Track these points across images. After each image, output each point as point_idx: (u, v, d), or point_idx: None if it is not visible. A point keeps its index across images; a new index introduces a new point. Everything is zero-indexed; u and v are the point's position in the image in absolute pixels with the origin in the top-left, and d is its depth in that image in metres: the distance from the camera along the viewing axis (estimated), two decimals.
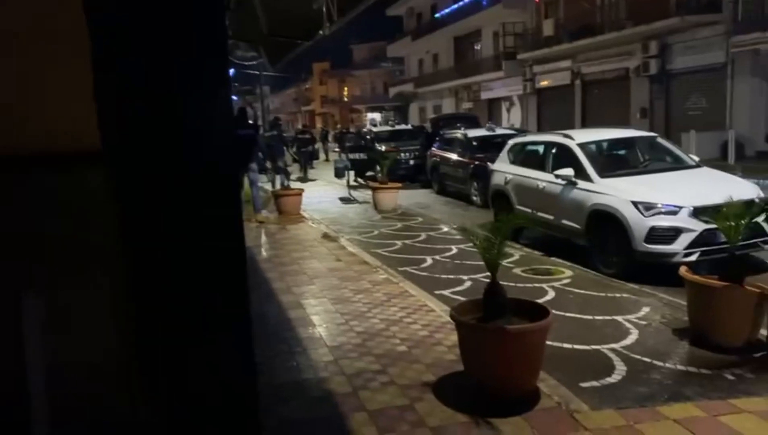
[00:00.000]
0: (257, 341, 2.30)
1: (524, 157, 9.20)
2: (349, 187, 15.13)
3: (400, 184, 12.28)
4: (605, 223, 6.89)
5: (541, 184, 8.25)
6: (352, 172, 16.21)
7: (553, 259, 7.52)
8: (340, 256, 7.57)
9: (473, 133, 14.14)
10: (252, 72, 40.51)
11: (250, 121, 11.71)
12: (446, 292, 5.93)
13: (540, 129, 25.31)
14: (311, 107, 71.06)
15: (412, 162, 16.65)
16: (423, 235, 9.13)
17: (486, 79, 31.77)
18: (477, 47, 34.14)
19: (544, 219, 8.08)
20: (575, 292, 5.89)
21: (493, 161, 12.44)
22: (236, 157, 1.70)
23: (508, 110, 30.97)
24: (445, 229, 9.73)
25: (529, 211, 8.60)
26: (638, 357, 4.22)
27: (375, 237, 9.13)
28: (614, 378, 3.90)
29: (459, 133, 14.45)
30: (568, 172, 7.59)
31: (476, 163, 12.98)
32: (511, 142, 9.74)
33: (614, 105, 23.31)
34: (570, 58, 25.31)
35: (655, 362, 4.13)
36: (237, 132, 11.22)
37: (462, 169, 13.58)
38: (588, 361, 4.18)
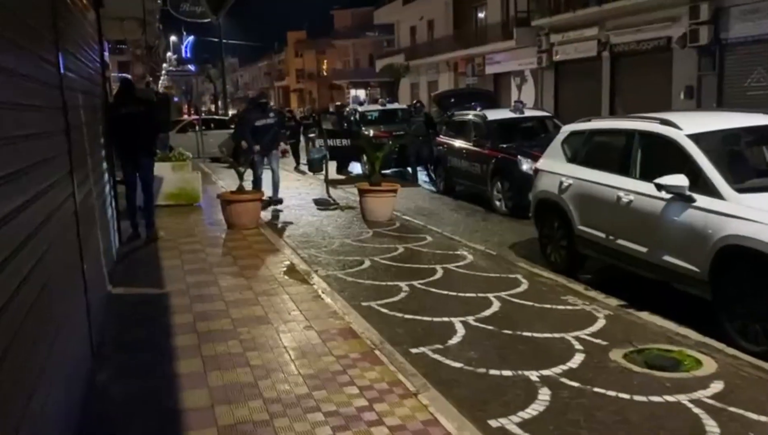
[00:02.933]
0: None
1: (592, 153, 6.75)
2: (328, 184, 12.62)
3: (397, 186, 9.78)
4: (748, 268, 4.53)
5: (625, 197, 5.84)
6: (331, 164, 13.70)
7: (651, 318, 5.11)
8: (313, 317, 5.06)
9: (495, 114, 11.69)
10: (213, 39, 37.43)
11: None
12: (513, 423, 3.45)
13: (558, 111, 22.97)
14: (285, 83, 68.71)
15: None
16: (438, 271, 6.64)
17: (492, 51, 29.44)
18: (481, 13, 31.76)
19: (628, 251, 5.70)
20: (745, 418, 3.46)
21: (523, 154, 10.12)
22: None
23: (519, 88, 28.67)
24: (469, 256, 7.26)
25: (601, 235, 6.19)
26: None
27: (366, 273, 6.64)
28: None
29: (474, 115, 11.98)
30: (679, 181, 5.19)
31: (500, 156, 10.55)
32: (568, 129, 7.28)
33: (651, 83, 21.04)
34: (597, 24, 23.05)
35: None
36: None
37: (479, 163, 11.15)
38: None
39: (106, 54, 13.02)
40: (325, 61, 60.56)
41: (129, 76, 10.05)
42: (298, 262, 6.86)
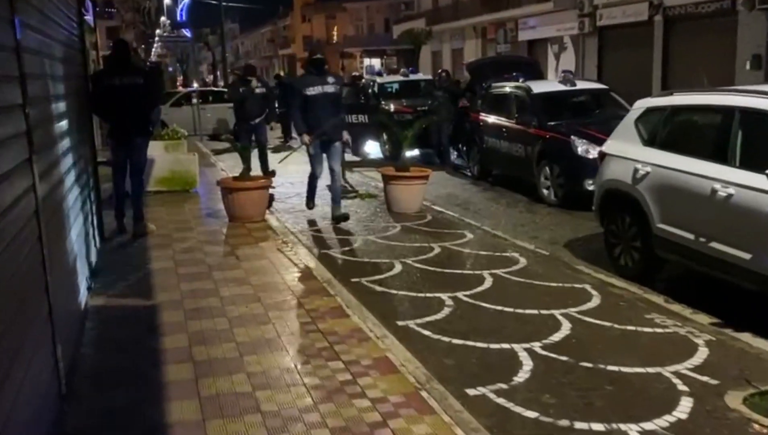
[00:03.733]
0: None
1: (676, 134, 6.04)
2: (344, 168, 11.93)
3: (428, 172, 9.10)
4: None
5: (723, 190, 5.16)
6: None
7: (762, 343, 4.42)
8: (338, 341, 4.42)
9: (541, 87, 10.94)
10: (211, 1, 36.93)
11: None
12: None
13: (602, 82, 22.08)
14: (290, 51, 67.81)
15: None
16: (486, 278, 5.97)
17: (526, 14, 28.53)
18: None
19: (725, 256, 5.05)
20: None
21: (578, 133, 9.40)
22: None
23: (557, 56, 27.78)
24: (521, 259, 6.59)
25: (689, 236, 5.52)
26: None
27: (398, 281, 5.99)
28: None
29: (516, 88, 11.23)
30: None
31: (549, 135, 9.84)
32: (643, 104, 6.55)
33: (711, 50, 20.11)
34: None
35: None
36: None
37: (523, 144, 10.44)
38: None
39: (89, 17, 12.39)
40: (336, 26, 59.59)
41: (125, 39, 9.16)
42: (314, 266, 6.22)
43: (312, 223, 8.49)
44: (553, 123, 10.07)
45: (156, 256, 6.67)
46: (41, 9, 4.35)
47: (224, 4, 31.57)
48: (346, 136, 8.35)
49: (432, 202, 9.54)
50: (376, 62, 48.85)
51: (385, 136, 15.26)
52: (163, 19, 57.70)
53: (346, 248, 7.14)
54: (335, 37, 59.54)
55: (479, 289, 5.68)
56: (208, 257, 6.61)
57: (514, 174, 11.09)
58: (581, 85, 11.13)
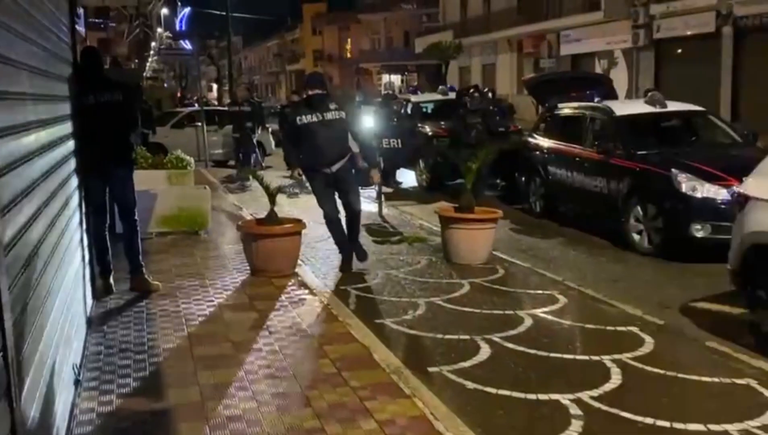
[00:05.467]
0: None
1: None
2: (381, 203, 10.94)
3: (498, 213, 8.02)
4: None
5: None
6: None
7: None
8: None
9: (624, 108, 9.92)
10: (213, 12, 36.50)
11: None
12: None
13: None
14: (299, 66, 67.64)
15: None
16: (613, 372, 4.80)
17: (569, 25, 27.86)
18: None
19: None
20: None
21: (680, 166, 8.33)
22: None
23: (606, 72, 26.80)
24: (645, 337, 5.45)
25: None
26: None
27: (492, 373, 4.86)
28: None
29: (591, 109, 10.20)
30: None
31: (641, 168, 8.77)
32: None
33: None
34: None
35: None
36: None
37: (605, 177, 9.37)
38: None
39: (81, 28, 11.51)
40: (350, 39, 59.32)
41: (94, 47, 8.07)
42: (373, 346, 5.10)
43: (356, 277, 7.38)
44: (644, 152, 9.00)
45: (162, 327, 5.58)
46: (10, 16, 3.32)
47: (231, 15, 30.89)
48: (374, 173, 7.80)
49: (494, 248, 8.43)
50: (395, 79, 48.25)
51: (422, 164, 14.32)
52: (159, 30, 57.45)
53: (408, 317, 6.01)
54: (349, 52, 59.23)
55: (607, 387, 4.53)
56: (231, 330, 5.51)
57: (590, 213, 9.98)
58: (673, 106, 10.07)
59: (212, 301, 6.32)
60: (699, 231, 7.94)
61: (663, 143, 9.39)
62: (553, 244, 9.38)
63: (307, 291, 6.62)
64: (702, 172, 8.14)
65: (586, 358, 5.04)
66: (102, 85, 6.22)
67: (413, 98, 15.96)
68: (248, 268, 7.26)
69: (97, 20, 45.88)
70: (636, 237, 8.76)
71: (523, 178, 11.77)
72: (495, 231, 7.96)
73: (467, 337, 5.46)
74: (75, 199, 5.28)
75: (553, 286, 6.93)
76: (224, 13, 33.15)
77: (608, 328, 5.70)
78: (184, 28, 43.36)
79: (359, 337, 5.28)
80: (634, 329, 5.62)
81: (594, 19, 26.15)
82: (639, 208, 8.72)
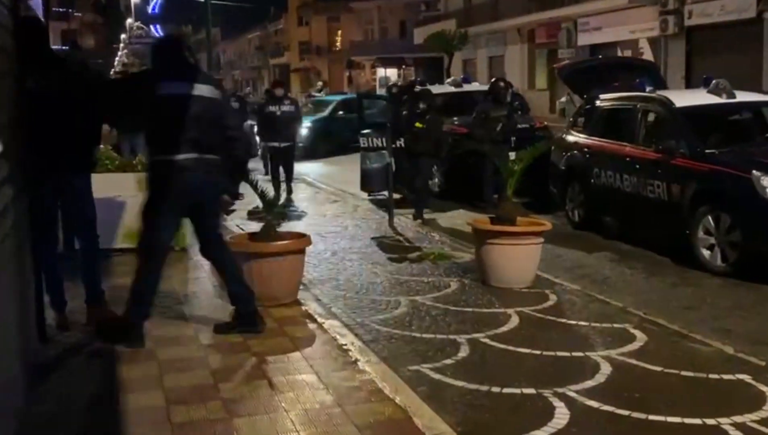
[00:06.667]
0: None
1: None
2: (392, 213, 10.05)
3: (547, 224, 7.12)
4: None
5: None
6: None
7: None
8: None
9: (686, 99, 9.07)
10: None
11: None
12: None
13: None
14: (284, 60, 67.04)
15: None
16: None
17: (588, 12, 27.19)
18: None
19: None
20: None
21: (762, 167, 7.53)
22: None
23: None
24: (758, 386, 4.55)
25: None
26: None
27: None
28: None
29: (644, 101, 9.36)
30: None
31: (711, 169, 7.95)
32: None
33: None
34: None
35: None
36: None
37: (664, 181, 8.50)
38: None
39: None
40: (340, 30, 58.72)
41: (35, 17, 6.81)
42: (416, 408, 4.15)
43: (372, 305, 6.44)
44: (714, 151, 8.14)
45: (130, 378, 4.62)
46: None
47: (210, 1, 30.04)
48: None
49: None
50: (391, 73, 47.49)
51: (434, 167, 13.42)
52: (129, 21, 56.64)
53: (449, 361, 5.06)
54: (339, 44, 58.58)
55: None
56: (221, 383, 4.55)
57: (644, 223, 9.09)
58: (741, 96, 9.21)
59: (194, 340, 5.37)
60: None
61: (735, 140, 8.58)
62: (601, 262, 8.50)
63: (315, 325, 5.68)
64: None
65: (698, 421, 4.10)
66: (47, 66, 5.24)
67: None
68: None
69: (60, 9, 44.89)
70: (706, 253, 7.88)
71: (558, 183, 10.89)
72: (541, 248, 7.03)
73: (532, 390, 4.52)
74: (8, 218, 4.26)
75: (623, 318, 6.03)
76: (201, 0, 32.20)
77: (711, 376, 4.78)
78: (157, 10, 42.44)
79: (391, 392, 4.33)
80: (746, 378, 4.70)
81: (616, 4, 25.54)
82: (710, 218, 7.85)
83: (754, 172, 7.46)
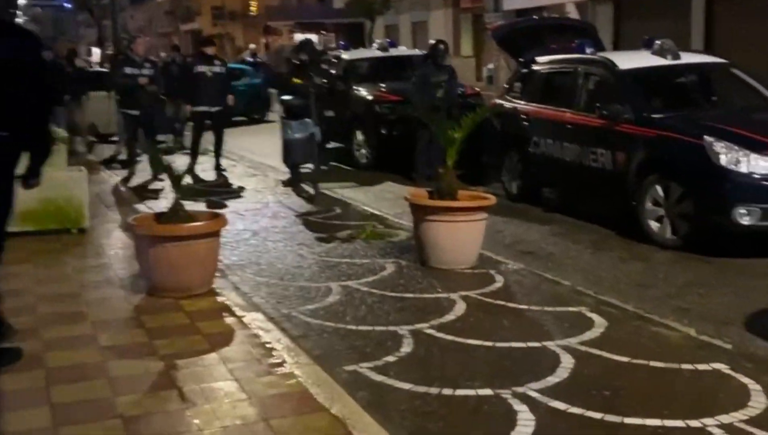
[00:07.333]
0: None
1: None
2: (317, 188, 9.44)
3: (491, 199, 6.64)
4: None
5: None
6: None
7: None
8: None
9: (629, 61, 8.69)
10: None
11: None
12: None
13: None
14: (196, 25, 64.88)
15: None
16: None
17: None
18: None
19: None
20: None
21: (715, 132, 7.27)
22: None
23: None
24: (750, 386, 4.16)
25: None
26: None
27: None
28: None
29: (586, 63, 9.00)
30: None
31: (660, 135, 7.68)
32: None
33: None
34: None
35: None
36: None
37: (608, 149, 8.17)
38: None
39: None
40: None
41: None
42: (356, 419, 3.59)
43: (300, 293, 5.83)
44: (661, 116, 7.80)
45: (9, 392, 3.91)
46: None
47: None
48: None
49: None
50: (312, 38, 46.46)
51: (360, 137, 12.83)
52: None
53: (391, 358, 4.49)
54: (254, 8, 57.04)
55: None
56: (121, 395, 3.88)
57: (588, 195, 8.74)
58: (687, 57, 8.89)
59: (91, 341, 4.67)
60: (745, 217, 6.83)
61: (682, 103, 8.29)
62: (544, 236, 8.11)
63: (234, 319, 5.05)
64: (745, 139, 7.05)
65: (681, 423, 3.66)
66: None
67: (345, 55, 14.37)
68: (144, 284, 5.62)
69: None
70: (655, 225, 7.56)
71: (493, 153, 10.44)
72: (485, 224, 6.54)
73: (489, 391, 4.00)
74: None
75: (577, 300, 5.62)
76: None
77: (683, 366, 4.36)
78: None
79: (326, 400, 3.75)
80: (722, 368, 4.29)
81: None
82: (658, 187, 7.51)
83: (706, 137, 7.14)
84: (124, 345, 4.63)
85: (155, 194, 9.93)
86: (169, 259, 5.42)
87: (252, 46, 37.69)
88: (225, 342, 4.64)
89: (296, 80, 9.71)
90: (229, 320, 5.03)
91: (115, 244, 7.08)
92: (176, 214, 5.58)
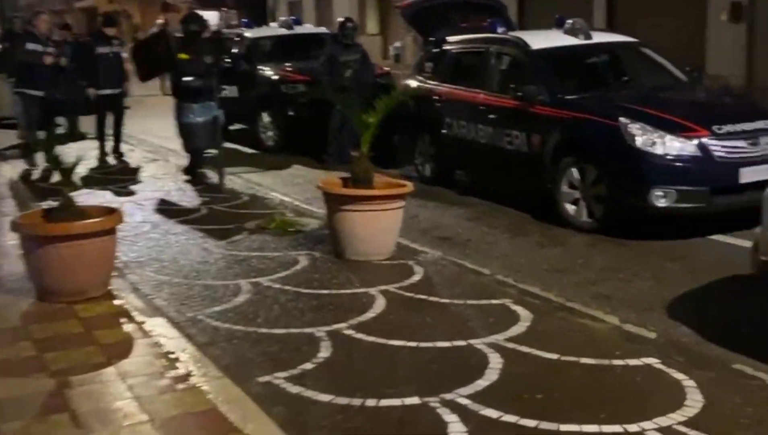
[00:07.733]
0: None
1: None
2: (222, 175, 8.98)
3: (408, 186, 6.36)
4: None
5: None
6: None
7: None
8: None
9: (542, 41, 8.55)
10: None
11: None
12: None
13: None
14: (90, 2, 62.09)
15: None
16: None
17: None
18: None
19: None
20: None
21: (629, 113, 7.22)
22: None
23: None
24: (691, 388, 4.03)
25: None
26: None
27: None
28: None
29: (498, 43, 8.84)
30: None
31: (575, 117, 7.60)
32: None
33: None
34: None
35: None
36: None
37: (523, 131, 8.05)
38: None
39: None
40: None
41: None
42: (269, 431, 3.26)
43: (206, 293, 5.42)
44: (575, 97, 7.70)
45: None
46: None
47: None
48: None
49: None
50: (211, 15, 45.04)
51: (266, 118, 12.38)
52: None
53: (308, 366, 4.15)
54: None
55: None
56: (6, 422, 3.45)
57: (502, 177, 8.60)
58: (599, 37, 8.82)
59: None
60: (661, 199, 6.80)
61: (596, 84, 8.24)
62: (459, 221, 7.94)
63: (133, 326, 4.62)
64: (659, 120, 7.02)
65: (619, 428, 3.46)
66: None
67: (249, 33, 13.82)
68: (33, 289, 5.11)
69: None
70: (570, 208, 7.48)
71: (405, 135, 10.19)
72: (403, 213, 6.27)
73: (416, 399, 3.72)
74: None
75: (500, 292, 5.41)
76: None
77: (614, 362, 4.19)
78: None
79: (238, 420, 3.41)
80: (653, 362, 4.15)
81: None
82: (574, 170, 7.42)
83: (621, 118, 7.07)
84: (9, 361, 4.15)
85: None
86: (60, 260, 4.93)
87: (159, 21, 36.30)
88: (124, 353, 4.22)
89: (183, 55, 9.08)
90: (128, 327, 4.60)
91: (2, 244, 6.49)
92: (67, 210, 5.08)
